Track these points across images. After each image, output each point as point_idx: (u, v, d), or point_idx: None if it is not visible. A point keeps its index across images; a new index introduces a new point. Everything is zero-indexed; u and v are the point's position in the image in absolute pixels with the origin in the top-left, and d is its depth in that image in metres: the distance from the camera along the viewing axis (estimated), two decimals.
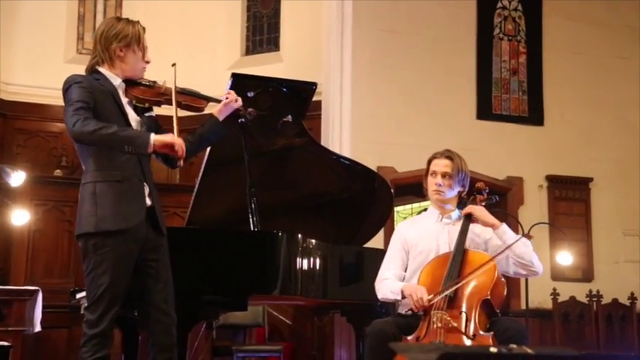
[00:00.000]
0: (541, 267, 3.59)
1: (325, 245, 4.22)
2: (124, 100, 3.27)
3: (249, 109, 3.61)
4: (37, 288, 5.94)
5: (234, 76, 4.04)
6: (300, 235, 4.05)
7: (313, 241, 4.14)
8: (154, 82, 3.38)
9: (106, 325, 3.08)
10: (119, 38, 3.25)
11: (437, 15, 7.58)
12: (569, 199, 7.68)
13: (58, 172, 7.76)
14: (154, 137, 3.11)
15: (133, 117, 3.27)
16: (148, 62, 3.36)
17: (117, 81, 3.27)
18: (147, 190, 3.24)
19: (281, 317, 7.29)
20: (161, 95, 3.34)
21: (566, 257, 7.18)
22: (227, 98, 3.46)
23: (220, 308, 3.95)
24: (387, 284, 3.61)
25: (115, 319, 3.14)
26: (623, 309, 7.32)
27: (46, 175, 7.69)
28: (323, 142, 6.91)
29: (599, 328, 7.24)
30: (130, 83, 3.32)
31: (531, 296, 6.26)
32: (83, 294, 4.58)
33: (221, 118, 3.43)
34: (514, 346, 1.60)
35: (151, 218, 3.24)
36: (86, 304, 3.16)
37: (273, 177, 4.57)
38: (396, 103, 7.32)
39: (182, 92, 3.40)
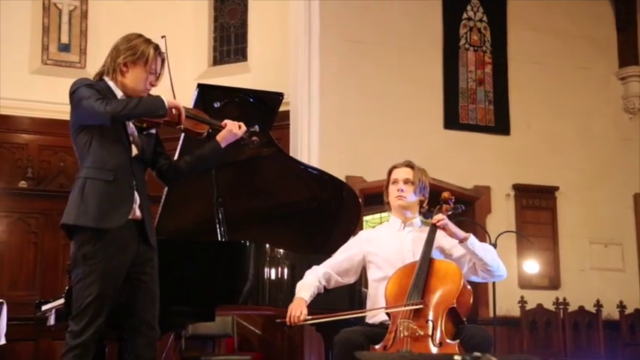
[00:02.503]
0: (506, 271, 3.69)
1: (293, 255, 4.21)
2: None
3: (254, 138, 3.53)
4: (1, 300, 5.86)
5: (200, 86, 4.03)
6: (267, 245, 4.05)
7: (281, 250, 4.14)
8: None
9: (88, 336, 3.05)
10: (127, 53, 3.23)
11: (403, 26, 7.63)
12: (536, 207, 7.76)
13: (23, 184, 7.67)
14: (164, 99, 3.19)
15: (131, 131, 3.28)
16: (152, 85, 3.30)
17: (119, 94, 3.25)
18: (138, 200, 3.22)
19: (250, 327, 7.25)
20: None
21: (533, 265, 7.25)
22: (233, 125, 3.41)
23: (188, 319, 3.93)
24: (305, 282, 3.67)
25: (99, 330, 3.10)
26: (589, 316, 7.41)
27: (12, 186, 7.59)
28: (291, 152, 6.92)
29: (565, 336, 7.32)
30: None
31: (499, 304, 6.30)
32: (49, 306, 4.53)
33: (223, 144, 3.40)
34: (478, 354, 1.61)
35: (141, 232, 3.23)
36: (72, 314, 3.11)
37: (241, 187, 4.55)
38: (363, 113, 7.35)
39: (186, 115, 3.31)
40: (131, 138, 3.26)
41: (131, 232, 3.19)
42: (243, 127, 3.44)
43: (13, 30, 8.15)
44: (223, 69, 8.45)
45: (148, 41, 3.29)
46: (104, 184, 3.12)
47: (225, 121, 3.42)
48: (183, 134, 3.77)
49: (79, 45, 8.42)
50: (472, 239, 3.59)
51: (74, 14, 8.49)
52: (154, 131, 3.36)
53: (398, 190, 3.71)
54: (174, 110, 3.23)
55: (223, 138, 3.40)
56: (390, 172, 3.79)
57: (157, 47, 3.29)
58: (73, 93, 3.18)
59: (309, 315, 3.51)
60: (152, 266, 3.28)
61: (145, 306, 3.22)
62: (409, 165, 3.77)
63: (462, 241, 3.57)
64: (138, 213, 3.22)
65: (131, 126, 3.28)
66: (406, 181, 3.70)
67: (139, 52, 3.23)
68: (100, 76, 3.28)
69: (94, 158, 3.16)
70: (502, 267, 3.65)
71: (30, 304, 5.71)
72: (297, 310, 3.48)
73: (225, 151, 3.42)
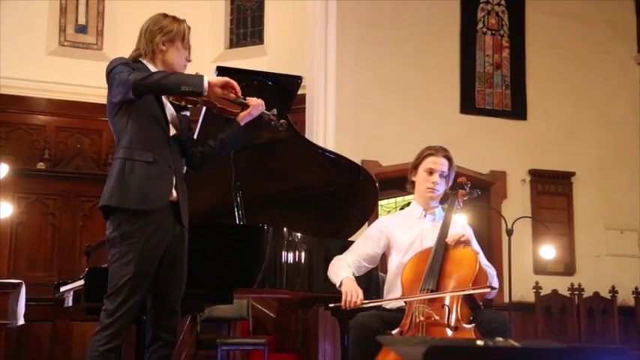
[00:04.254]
0: (493, 294, 3.57)
1: (310, 239, 4.23)
2: None
3: (282, 121, 3.51)
4: (20, 281, 5.91)
5: (219, 69, 4.03)
6: (285, 229, 4.06)
7: (299, 234, 4.15)
8: None
9: (121, 314, 3.07)
10: (163, 32, 3.27)
11: (421, 9, 7.60)
12: (552, 193, 7.74)
13: (41, 165, 7.71)
14: (207, 77, 3.12)
15: (170, 111, 3.29)
16: (189, 61, 3.35)
17: None
18: (174, 180, 3.24)
19: (265, 310, 7.30)
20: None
21: (548, 251, 7.23)
22: (255, 103, 3.39)
23: (206, 301, 3.96)
24: (339, 266, 3.62)
25: (133, 309, 3.12)
26: (604, 302, 7.40)
27: (29, 167, 7.64)
28: (307, 136, 6.91)
29: (580, 322, 7.32)
30: None
31: (514, 289, 6.28)
32: (67, 287, 4.57)
33: (242, 123, 3.39)
34: (500, 339, 1.62)
35: (176, 213, 3.24)
36: (107, 293, 3.13)
37: (259, 170, 4.56)
38: (380, 97, 7.34)
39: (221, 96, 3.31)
40: (169, 118, 3.27)
41: (167, 214, 3.21)
42: (262, 105, 3.41)
43: (31, 11, 8.16)
44: (240, 52, 8.45)
45: (176, 19, 3.34)
46: (144, 165, 3.13)
47: (248, 98, 3.40)
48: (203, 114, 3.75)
49: (96, 26, 8.42)
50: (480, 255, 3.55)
51: None
52: (188, 113, 3.36)
53: (433, 183, 3.64)
54: (219, 90, 3.17)
55: (242, 118, 3.39)
56: (425, 157, 3.67)
57: (184, 21, 3.35)
58: (110, 72, 3.19)
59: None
60: (183, 249, 3.31)
61: (170, 288, 3.25)
62: (447, 156, 3.67)
63: None
64: (174, 194, 3.24)
65: (169, 106, 3.28)
66: (442, 174, 3.64)
67: (174, 30, 3.28)
68: (134, 59, 3.28)
69: (131, 138, 3.16)
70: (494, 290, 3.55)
71: (48, 285, 5.77)
72: (354, 295, 3.40)
73: (246, 130, 3.40)
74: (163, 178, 3.19)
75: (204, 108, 3.69)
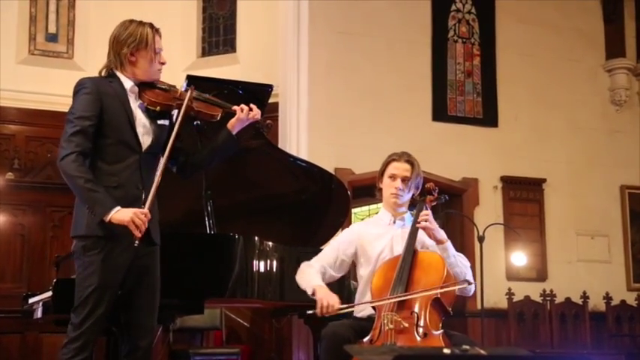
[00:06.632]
0: (473, 288, 3.53)
1: (282, 247, 4.22)
2: (135, 104, 3.21)
3: (268, 122, 3.45)
4: None
5: (189, 78, 4.00)
6: (256, 238, 4.05)
7: (270, 243, 4.14)
8: (172, 86, 3.31)
9: (88, 326, 3.03)
10: (128, 42, 3.19)
11: (392, 17, 7.63)
12: (524, 199, 7.79)
13: (10, 175, 7.62)
14: (113, 213, 2.99)
15: (141, 122, 3.21)
16: (163, 64, 3.29)
17: (128, 84, 3.21)
18: (143, 199, 3.14)
19: (239, 320, 7.26)
20: (174, 100, 3.24)
21: (520, 257, 7.29)
22: (242, 110, 3.35)
23: (176, 312, 3.93)
24: (309, 274, 3.59)
25: (100, 321, 3.07)
26: (576, 308, 7.46)
27: None
28: (280, 144, 6.91)
29: (552, 327, 7.38)
30: (146, 85, 3.25)
31: (487, 296, 6.33)
32: (36, 299, 4.52)
33: (234, 132, 3.36)
34: (467, 347, 1.62)
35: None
36: (74, 306, 3.08)
37: (230, 179, 4.54)
38: (352, 105, 7.35)
39: (197, 98, 3.28)
40: (142, 130, 3.19)
41: None
42: (254, 112, 3.37)
43: (0, 20, 8.08)
44: (212, 60, 8.43)
45: (142, 23, 3.26)
46: (109, 190, 3.06)
47: (235, 107, 3.36)
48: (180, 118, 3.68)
49: (67, 35, 8.36)
50: (448, 244, 3.52)
51: (61, 4, 8.43)
52: (166, 122, 3.30)
53: (395, 189, 3.63)
54: (133, 229, 3.00)
55: (232, 125, 3.36)
56: (388, 163, 3.69)
57: (151, 25, 3.27)
58: (74, 96, 3.14)
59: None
60: (153, 260, 3.26)
61: (142, 298, 3.20)
62: (409, 161, 3.66)
63: (438, 242, 3.51)
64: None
65: (143, 121, 3.21)
66: (404, 179, 3.63)
67: (138, 38, 3.20)
68: (107, 70, 3.23)
69: (97, 162, 3.11)
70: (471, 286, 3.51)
71: (17, 296, 5.69)
72: (330, 299, 3.36)
73: (237, 139, 3.36)
74: (131, 202, 3.09)
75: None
